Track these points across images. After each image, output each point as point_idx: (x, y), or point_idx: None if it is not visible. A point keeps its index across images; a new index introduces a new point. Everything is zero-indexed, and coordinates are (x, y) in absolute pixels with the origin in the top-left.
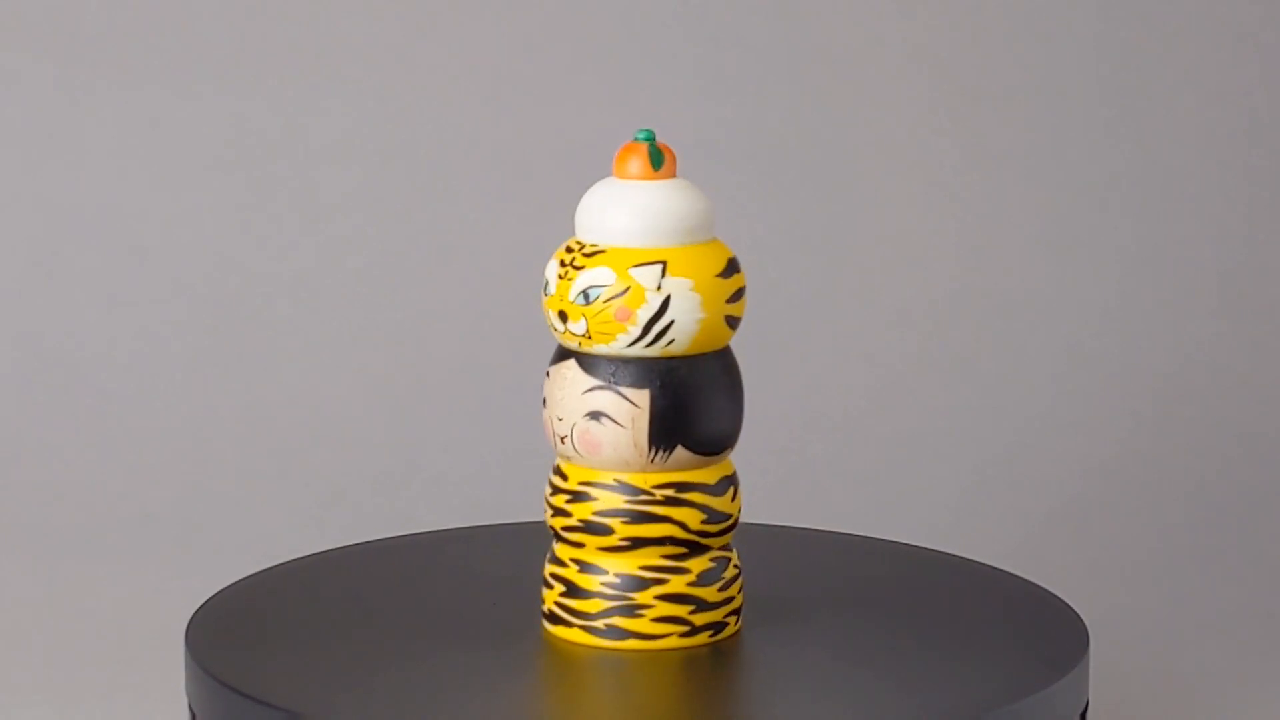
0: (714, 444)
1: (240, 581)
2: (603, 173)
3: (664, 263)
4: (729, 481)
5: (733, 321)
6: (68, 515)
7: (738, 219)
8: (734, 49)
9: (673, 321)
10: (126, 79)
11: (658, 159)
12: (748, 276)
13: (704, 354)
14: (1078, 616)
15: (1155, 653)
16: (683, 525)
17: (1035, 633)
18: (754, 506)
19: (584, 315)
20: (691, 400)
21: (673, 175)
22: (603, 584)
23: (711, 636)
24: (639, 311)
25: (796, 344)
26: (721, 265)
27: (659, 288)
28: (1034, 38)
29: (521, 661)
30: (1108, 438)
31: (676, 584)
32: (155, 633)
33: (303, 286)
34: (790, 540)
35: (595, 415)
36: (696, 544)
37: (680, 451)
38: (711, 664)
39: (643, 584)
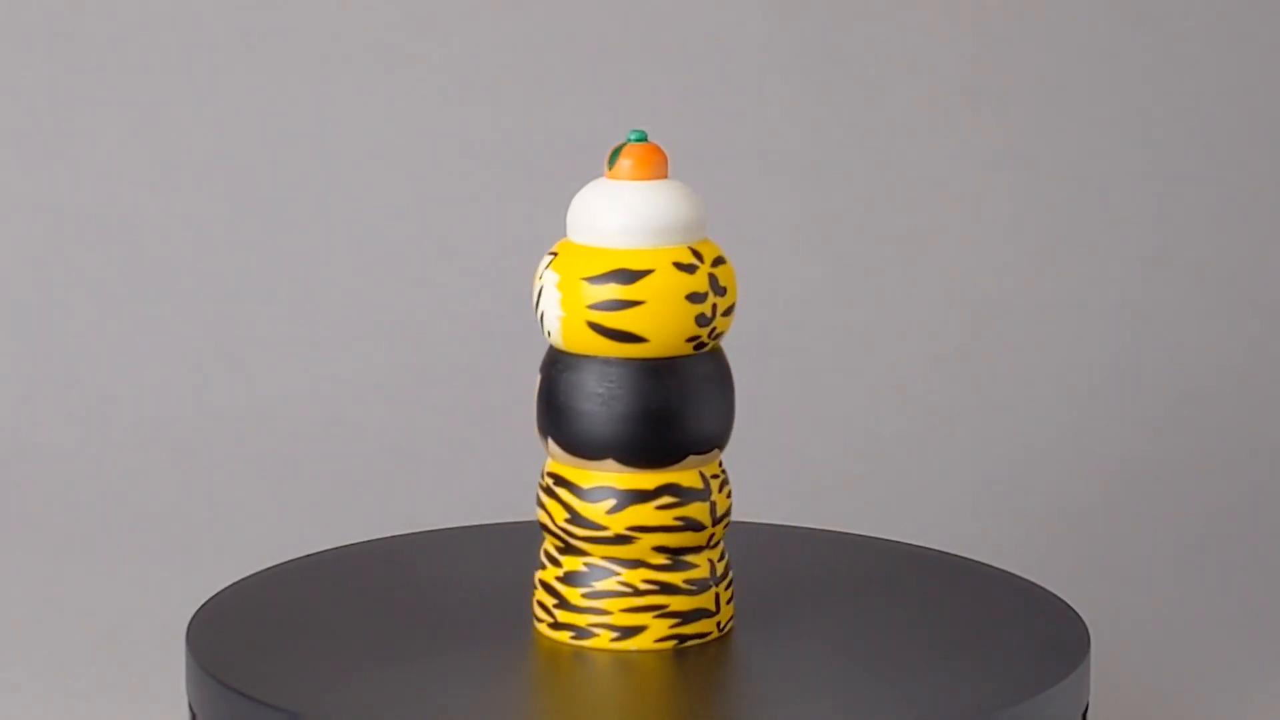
0: (581, 447)
1: (240, 581)
2: (602, 172)
3: (554, 254)
4: (610, 493)
5: (607, 331)
6: (68, 515)
7: (736, 220)
8: (734, 49)
9: (543, 313)
10: (126, 79)
11: (613, 159)
12: (748, 276)
13: (584, 356)
14: (1078, 617)
15: (1155, 653)
16: (551, 517)
17: (1036, 633)
18: (754, 506)
19: None
20: (557, 395)
21: (660, 176)
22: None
23: (572, 638)
24: (534, 296)
25: (796, 344)
26: (599, 271)
27: (540, 277)
28: (1034, 38)
29: (521, 661)
30: (1108, 438)
31: (548, 574)
32: (155, 633)
33: (303, 286)
34: (790, 540)
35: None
36: (566, 542)
37: (552, 444)
38: (708, 664)
39: (538, 565)
